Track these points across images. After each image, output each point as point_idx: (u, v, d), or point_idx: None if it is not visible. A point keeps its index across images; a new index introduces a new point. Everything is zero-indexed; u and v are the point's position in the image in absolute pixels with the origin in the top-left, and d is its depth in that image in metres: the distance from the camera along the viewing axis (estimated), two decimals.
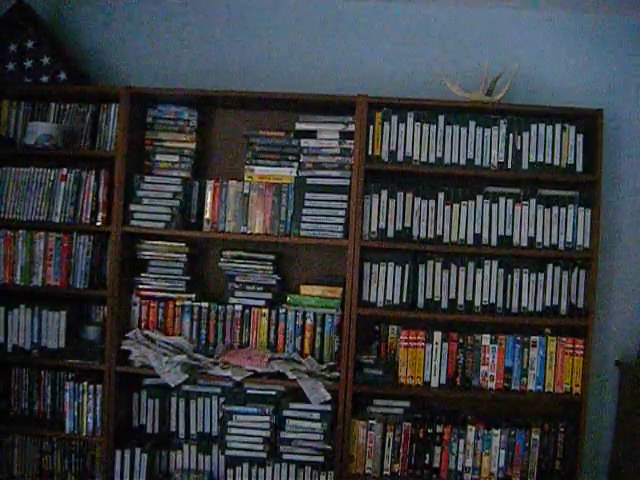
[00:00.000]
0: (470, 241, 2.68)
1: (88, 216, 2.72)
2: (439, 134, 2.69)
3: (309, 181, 2.72)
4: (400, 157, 2.69)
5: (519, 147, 2.68)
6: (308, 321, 2.72)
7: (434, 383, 2.68)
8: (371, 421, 2.68)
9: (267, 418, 2.62)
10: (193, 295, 2.77)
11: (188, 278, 2.78)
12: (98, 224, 2.72)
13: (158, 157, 2.81)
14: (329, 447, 2.61)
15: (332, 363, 2.68)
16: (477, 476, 2.67)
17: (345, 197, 2.67)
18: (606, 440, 2.89)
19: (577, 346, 2.64)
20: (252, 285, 2.77)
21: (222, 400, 2.72)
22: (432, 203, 2.70)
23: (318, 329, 2.72)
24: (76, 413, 2.70)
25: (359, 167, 2.62)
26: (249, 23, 2.99)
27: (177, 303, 2.77)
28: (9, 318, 2.75)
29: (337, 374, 2.62)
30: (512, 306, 2.68)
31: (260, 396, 2.69)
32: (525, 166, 2.68)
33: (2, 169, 2.75)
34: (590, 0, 2.78)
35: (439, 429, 2.68)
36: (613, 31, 2.90)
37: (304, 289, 2.77)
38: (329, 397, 2.56)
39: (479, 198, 2.69)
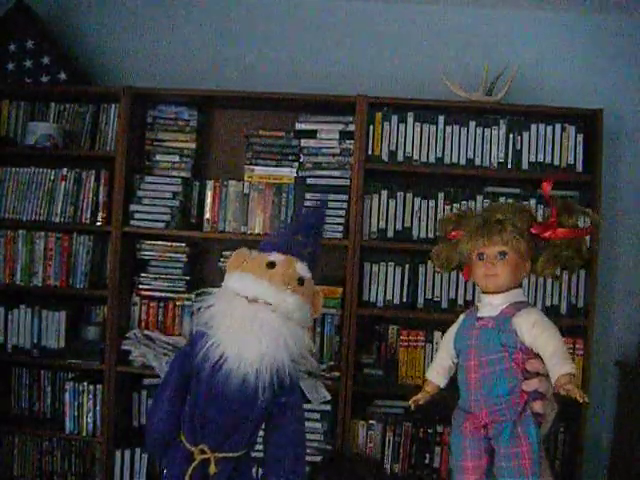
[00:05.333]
0: None
1: (88, 216, 2.72)
2: (439, 134, 2.69)
3: (309, 181, 2.72)
4: (400, 157, 2.69)
5: (519, 147, 2.68)
6: None
7: None
8: (371, 421, 2.68)
9: None
10: (193, 295, 2.77)
11: (188, 278, 2.78)
12: (98, 224, 2.72)
13: (158, 157, 2.81)
14: (329, 447, 2.61)
15: (332, 363, 2.67)
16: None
17: (345, 197, 2.68)
18: (606, 440, 2.88)
19: (577, 346, 2.64)
20: None
21: None
22: (432, 203, 2.70)
23: (318, 329, 2.72)
24: (76, 413, 2.70)
25: (359, 167, 2.62)
26: (249, 23, 2.99)
27: (177, 303, 2.77)
28: (9, 318, 2.76)
29: (337, 374, 2.62)
30: None
31: None
32: (525, 166, 2.68)
33: (2, 169, 2.76)
34: (590, 0, 2.78)
35: (439, 429, 2.67)
36: (613, 31, 2.90)
37: None
38: (329, 397, 2.56)
39: (479, 198, 2.69)
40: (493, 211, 1.52)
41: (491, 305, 1.46)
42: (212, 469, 1.50)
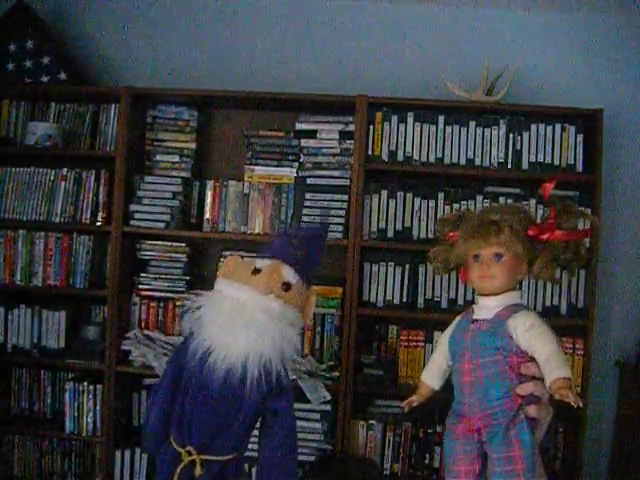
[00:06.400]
0: None
1: (88, 216, 2.72)
2: (439, 134, 2.68)
3: (309, 181, 2.72)
4: (400, 157, 2.69)
5: (519, 147, 2.68)
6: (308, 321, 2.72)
7: None
8: (371, 421, 2.68)
9: None
10: (189, 297, 2.76)
11: (188, 278, 2.78)
12: (98, 224, 2.72)
13: (158, 157, 2.81)
14: (329, 447, 2.61)
15: (332, 363, 2.67)
16: None
17: (345, 197, 2.68)
18: (606, 440, 2.88)
19: (577, 346, 2.64)
20: None
21: None
22: (432, 203, 2.70)
23: (318, 329, 2.72)
24: (76, 413, 2.70)
25: (359, 167, 2.62)
26: (249, 23, 2.99)
27: (177, 303, 2.77)
28: (9, 318, 2.76)
29: (337, 374, 2.62)
30: None
31: None
32: (525, 166, 2.68)
33: (2, 169, 2.75)
34: (590, 0, 2.78)
35: (439, 429, 2.67)
36: (613, 31, 2.90)
37: None
38: (329, 397, 2.56)
39: (479, 198, 2.69)
40: (490, 212, 1.51)
41: (486, 307, 1.45)
42: (197, 471, 1.50)
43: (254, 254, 2.63)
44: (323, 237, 1.75)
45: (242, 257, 1.65)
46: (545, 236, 1.46)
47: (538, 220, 1.54)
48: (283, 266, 1.56)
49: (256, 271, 1.55)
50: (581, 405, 1.23)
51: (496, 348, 1.38)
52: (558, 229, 1.47)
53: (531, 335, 1.36)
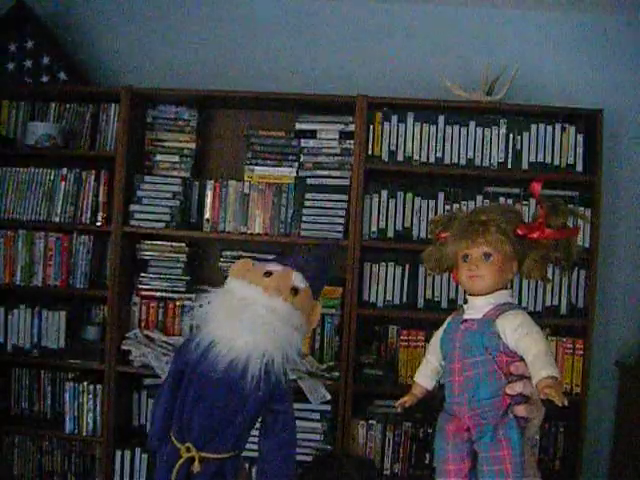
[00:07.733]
0: None
1: (88, 216, 2.72)
2: (439, 134, 2.68)
3: (309, 181, 2.72)
4: (400, 157, 2.69)
5: (519, 147, 2.68)
6: None
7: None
8: (371, 421, 2.68)
9: None
10: (193, 295, 2.77)
11: (188, 278, 2.78)
12: (98, 224, 2.72)
13: (158, 157, 2.81)
14: (329, 447, 2.61)
15: (332, 363, 2.67)
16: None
17: (345, 197, 2.68)
18: (606, 440, 2.89)
19: (577, 346, 2.64)
20: None
21: None
22: (432, 203, 2.70)
23: (318, 329, 2.72)
24: (76, 413, 2.70)
25: (359, 167, 2.62)
26: (249, 23, 2.99)
27: (177, 303, 2.78)
28: (9, 318, 2.76)
29: (337, 374, 2.62)
30: None
31: None
32: (525, 166, 2.68)
33: (2, 169, 2.76)
34: (590, 0, 2.79)
35: None
36: (613, 31, 2.90)
37: None
38: (329, 397, 2.56)
39: (479, 198, 2.69)
40: (479, 212, 1.51)
41: (476, 307, 1.45)
42: (195, 467, 1.52)
43: (255, 255, 2.65)
44: (332, 252, 1.81)
45: (253, 263, 1.68)
46: (534, 235, 1.46)
47: (531, 219, 1.54)
48: (293, 272, 1.61)
49: (267, 274, 1.59)
50: (566, 404, 1.23)
51: (485, 348, 1.38)
52: (547, 228, 1.46)
53: (519, 335, 1.36)
